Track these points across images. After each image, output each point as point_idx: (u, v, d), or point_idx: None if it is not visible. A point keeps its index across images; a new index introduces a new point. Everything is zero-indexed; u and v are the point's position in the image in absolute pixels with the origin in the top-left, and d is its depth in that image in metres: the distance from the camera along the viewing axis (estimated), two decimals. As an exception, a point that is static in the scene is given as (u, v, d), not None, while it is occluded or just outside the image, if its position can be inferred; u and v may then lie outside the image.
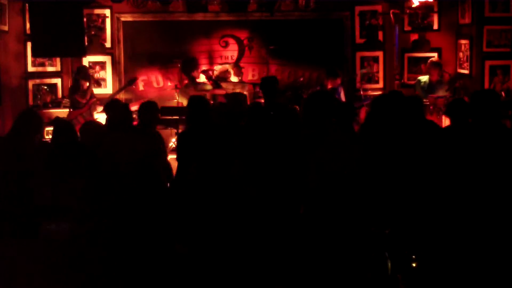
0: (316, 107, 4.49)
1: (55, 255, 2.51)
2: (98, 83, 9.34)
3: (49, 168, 4.36)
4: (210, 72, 8.83)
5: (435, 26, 9.19)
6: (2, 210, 4.00)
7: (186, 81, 8.75)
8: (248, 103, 7.49)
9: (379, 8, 9.41)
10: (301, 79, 9.51)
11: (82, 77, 8.15)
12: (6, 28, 8.37)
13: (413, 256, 3.59)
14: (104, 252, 2.48)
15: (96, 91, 9.30)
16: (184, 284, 3.26)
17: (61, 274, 2.43)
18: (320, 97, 4.66)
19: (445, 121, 7.33)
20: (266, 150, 4.83)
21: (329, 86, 8.23)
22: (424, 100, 7.54)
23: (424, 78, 8.51)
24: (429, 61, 8.56)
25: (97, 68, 9.40)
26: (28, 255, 2.62)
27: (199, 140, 4.99)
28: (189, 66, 8.61)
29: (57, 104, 8.81)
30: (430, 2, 8.49)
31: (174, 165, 5.26)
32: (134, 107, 8.28)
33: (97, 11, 9.32)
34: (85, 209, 2.81)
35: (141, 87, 9.58)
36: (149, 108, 5.78)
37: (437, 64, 8.43)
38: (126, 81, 8.89)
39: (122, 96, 9.40)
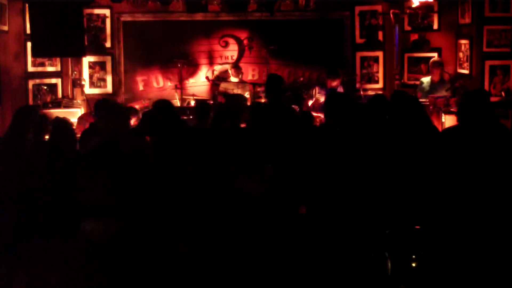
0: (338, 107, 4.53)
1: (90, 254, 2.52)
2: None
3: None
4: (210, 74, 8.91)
5: (435, 26, 9.19)
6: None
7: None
8: (249, 103, 7.50)
9: (379, 8, 9.42)
10: (301, 79, 9.50)
11: None
12: (6, 28, 8.37)
13: (413, 256, 3.59)
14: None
15: (96, 91, 9.32)
16: (186, 283, 3.26)
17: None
18: (340, 98, 4.70)
19: (446, 121, 7.34)
20: (267, 149, 4.84)
21: (329, 86, 8.23)
22: (424, 100, 7.56)
23: (426, 79, 8.53)
24: (431, 61, 8.57)
25: (97, 68, 9.39)
26: (66, 254, 2.64)
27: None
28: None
29: (57, 104, 8.81)
30: (430, 2, 8.49)
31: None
32: (136, 106, 8.33)
33: (97, 11, 9.32)
34: (119, 207, 2.82)
35: (141, 87, 9.58)
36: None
37: (439, 64, 8.44)
38: None
39: (122, 97, 9.42)
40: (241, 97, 6.71)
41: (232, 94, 6.88)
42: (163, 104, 5.43)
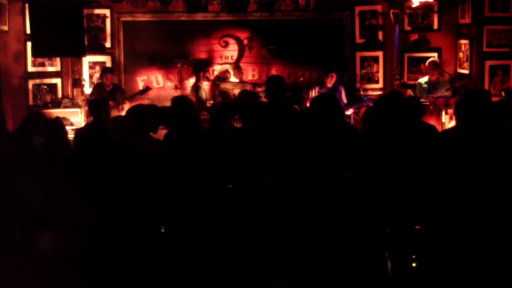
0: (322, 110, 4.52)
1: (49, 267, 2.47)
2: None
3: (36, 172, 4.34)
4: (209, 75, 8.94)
5: (435, 26, 9.19)
6: None
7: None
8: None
9: (379, 8, 9.42)
10: (301, 79, 9.51)
11: None
12: (6, 28, 8.37)
13: (413, 256, 3.59)
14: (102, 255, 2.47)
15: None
16: (186, 283, 3.26)
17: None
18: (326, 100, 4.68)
19: (445, 121, 7.35)
20: (267, 150, 4.83)
21: (328, 85, 8.27)
22: (424, 100, 7.57)
23: (424, 79, 8.53)
24: (428, 61, 8.57)
25: (97, 68, 9.39)
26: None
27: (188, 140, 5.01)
28: (201, 66, 8.70)
29: (57, 104, 8.80)
30: (430, 2, 8.49)
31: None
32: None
33: (97, 11, 9.32)
34: (77, 214, 2.78)
35: (141, 87, 9.58)
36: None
37: (436, 64, 8.45)
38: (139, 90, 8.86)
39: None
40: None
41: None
42: (178, 101, 5.46)
